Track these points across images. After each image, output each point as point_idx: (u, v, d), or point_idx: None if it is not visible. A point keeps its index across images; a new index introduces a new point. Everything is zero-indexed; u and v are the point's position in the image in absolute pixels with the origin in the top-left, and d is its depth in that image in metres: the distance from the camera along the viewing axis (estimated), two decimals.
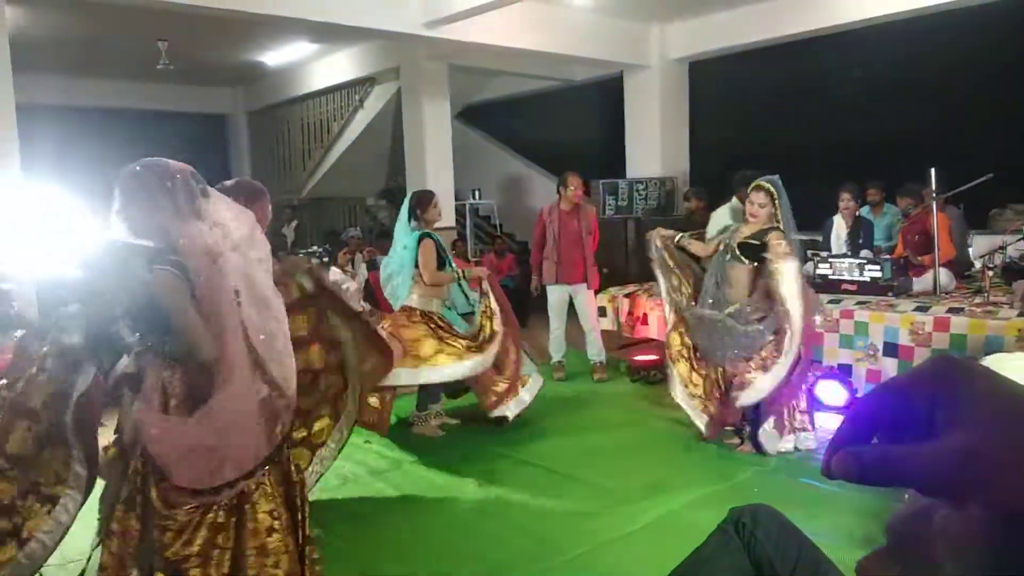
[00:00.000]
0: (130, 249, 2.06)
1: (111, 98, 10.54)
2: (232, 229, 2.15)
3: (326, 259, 5.95)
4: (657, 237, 4.57)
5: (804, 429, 4.21)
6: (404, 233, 4.76)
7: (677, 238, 4.53)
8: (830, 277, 5.23)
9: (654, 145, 8.85)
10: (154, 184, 2.07)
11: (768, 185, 4.10)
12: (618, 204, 8.68)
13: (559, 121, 10.55)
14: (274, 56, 9.75)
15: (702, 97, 9.03)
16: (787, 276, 3.93)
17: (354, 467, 4.31)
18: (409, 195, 4.93)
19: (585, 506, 3.69)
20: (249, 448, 2.13)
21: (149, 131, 10.44)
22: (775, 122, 8.43)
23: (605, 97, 9.66)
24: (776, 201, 4.07)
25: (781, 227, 4.07)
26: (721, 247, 4.26)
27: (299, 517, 2.31)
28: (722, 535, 2.26)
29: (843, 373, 4.68)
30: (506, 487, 3.98)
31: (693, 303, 4.40)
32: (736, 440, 4.33)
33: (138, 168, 2.11)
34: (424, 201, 4.79)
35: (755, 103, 8.70)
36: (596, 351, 5.96)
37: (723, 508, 2.27)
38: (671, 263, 4.54)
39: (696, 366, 4.31)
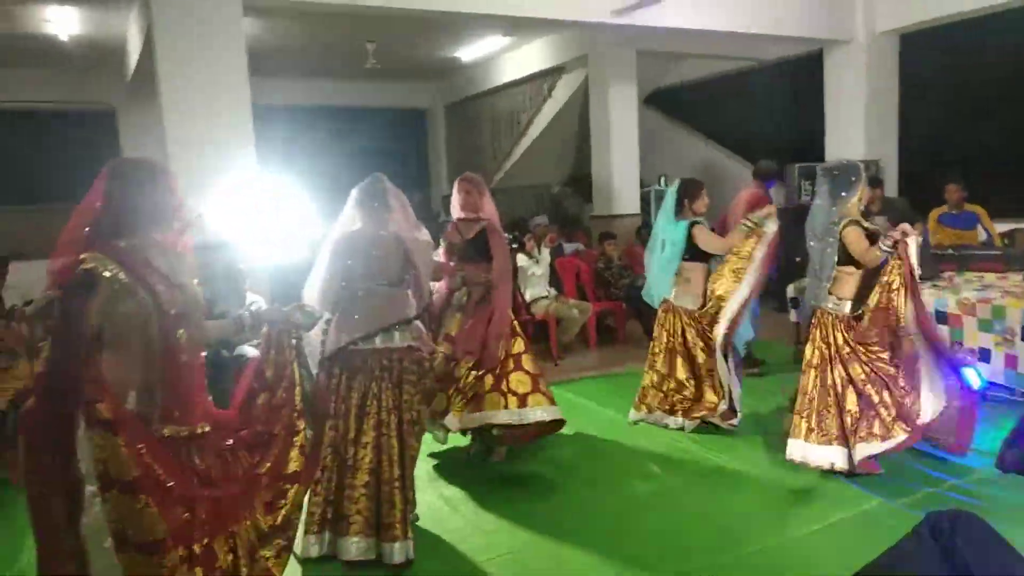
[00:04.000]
0: None
1: (326, 96, 11.55)
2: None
3: (514, 246, 6.19)
4: None
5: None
6: (668, 224, 4.68)
7: None
8: None
9: (857, 126, 8.26)
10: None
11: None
12: (815, 189, 8.19)
13: (751, 103, 10.12)
14: (469, 51, 10.22)
15: (914, 73, 8.29)
16: None
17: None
18: (676, 184, 4.78)
19: (771, 501, 3.63)
20: None
21: (358, 125, 11.38)
22: (998, 100, 7.55)
23: (802, 76, 9.14)
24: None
25: None
26: None
27: None
28: (917, 538, 2.17)
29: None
30: (688, 476, 4.00)
31: None
32: None
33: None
34: (694, 190, 4.69)
35: (976, 78, 7.84)
36: None
37: (919, 514, 2.17)
38: None
39: None
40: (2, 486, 4.25)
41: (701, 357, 4.58)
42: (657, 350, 4.72)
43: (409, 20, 7.72)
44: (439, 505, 3.63)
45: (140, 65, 7.54)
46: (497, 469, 4.11)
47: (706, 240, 4.56)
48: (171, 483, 2.07)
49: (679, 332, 4.64)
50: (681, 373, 4.63)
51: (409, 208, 3.30)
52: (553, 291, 6.98)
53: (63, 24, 7.58)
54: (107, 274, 2.04)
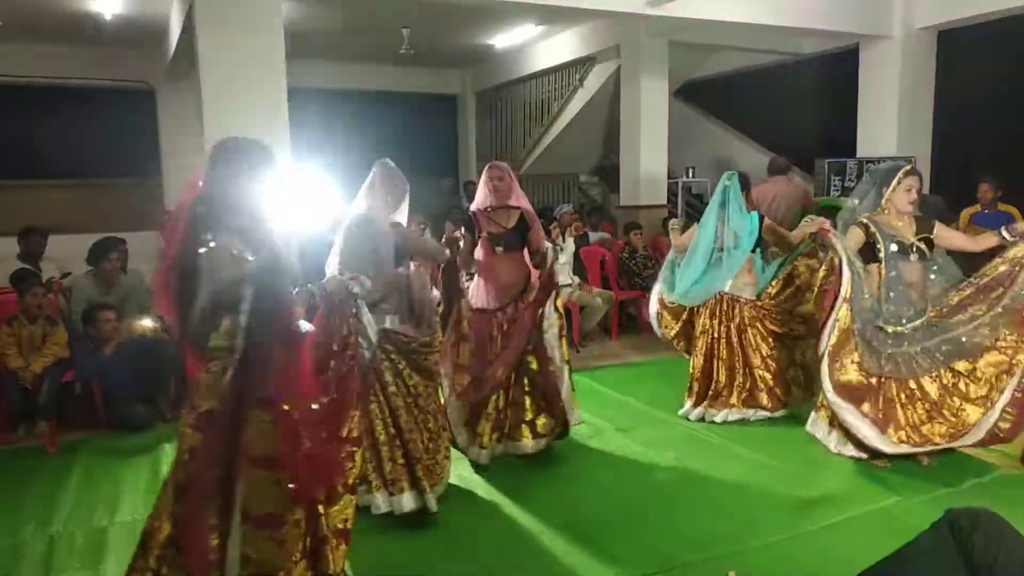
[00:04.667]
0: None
1: (357, 80, 11.59)
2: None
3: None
4: None
5: None
6: (739, 217, 4.52)
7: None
8: None
9: (890, 123, 8.15)
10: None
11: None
12: (844, 184, 8.17)
13: (783, 97, 10.02)
14: (502, 39, 10.23)
15: (949, 70, 8.16)
16: None
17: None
18: (735, 176, 4.61)
19: (790, 494, 3.64)
20: None
21: (388, 110, 11.45)
22: None
23: (836, 71, 9.04)
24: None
25: None
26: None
27: None
28: (935, 534, 2.18)
29: None
30: (706, 466, 4.02)
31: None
32: None
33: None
34: (749, 182, 4.75)
35: (1013, 77, 7.68)
36: None
37: (938, 512, 2.19)
38: None
39: None
40: (32, 455, 4.39)
41: (765, 349, 4.59)
42: (718, 337, 4.66)
43: (445, 7, 7.77)
44: (458, 485, 3.71)
45: (180, 46, 7.66)
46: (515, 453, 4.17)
47: (775, 232, 4.56)
48: (313, 453, 2.17)
49: (741, 323, 4.61)
50: (728, 362, 4.64)
51: (391, 195, 3.47)
52: (576, 279, 7.02)
53: (107, 2, 7.71)
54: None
